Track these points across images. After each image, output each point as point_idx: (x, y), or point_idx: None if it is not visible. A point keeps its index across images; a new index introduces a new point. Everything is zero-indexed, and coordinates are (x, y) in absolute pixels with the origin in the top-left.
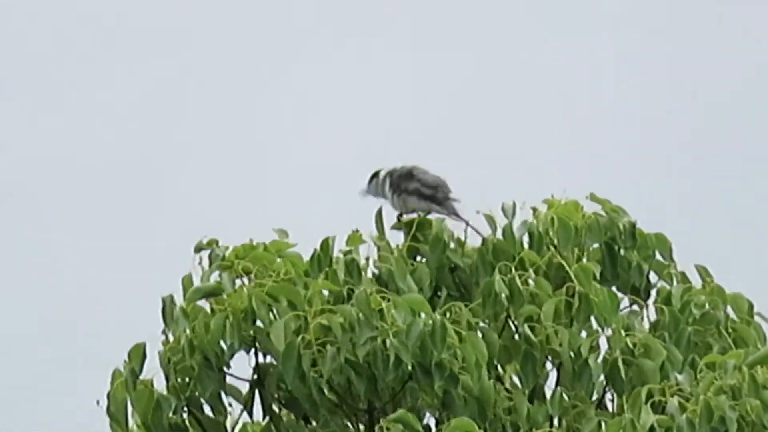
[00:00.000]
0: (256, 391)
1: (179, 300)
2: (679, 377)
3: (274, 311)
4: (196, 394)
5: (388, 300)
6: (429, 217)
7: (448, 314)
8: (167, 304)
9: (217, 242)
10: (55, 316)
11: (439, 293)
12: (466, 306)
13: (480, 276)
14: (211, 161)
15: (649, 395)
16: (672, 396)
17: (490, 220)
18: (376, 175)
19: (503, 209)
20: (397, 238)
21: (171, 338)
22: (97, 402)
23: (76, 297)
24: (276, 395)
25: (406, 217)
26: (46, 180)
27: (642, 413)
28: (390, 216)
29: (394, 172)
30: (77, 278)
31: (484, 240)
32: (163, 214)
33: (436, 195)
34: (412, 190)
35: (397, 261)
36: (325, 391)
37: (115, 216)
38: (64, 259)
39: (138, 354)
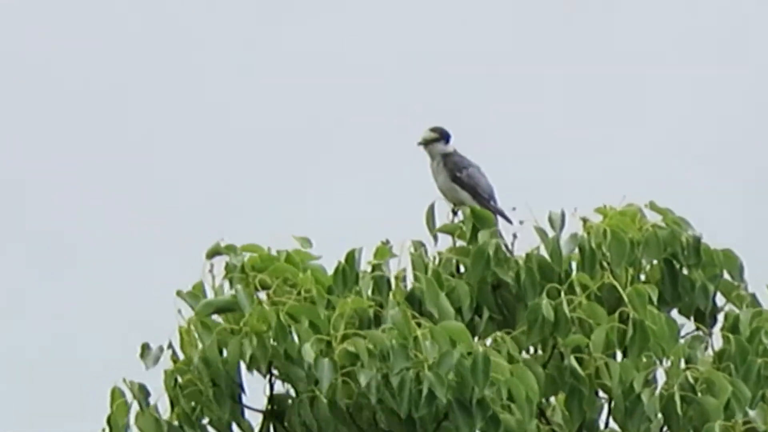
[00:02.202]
0: (271, 425)
1: (185, 311)
2: (751, 413)
3: (293, 333)
4: (205, 421)
5: (424, 327)
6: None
7: (492, 343)
8: (180, 313)
9: (235, 249)
10: None
11: (480, 314)
12: (508, 333)
13: (527, 297)
14: (222, 153)
15: None
16: None
17: (541, 233)
18: (441, 136)
19: (550, 219)
20: (445, 242)
21: (180, 356)
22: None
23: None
24: (294, 429)
25: (459, 216)
26: None
27: None
28: (441, 214)
29: (450, 155)
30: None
31: (528, 255)
32: (168, 212)
33: (489, 203)
34: (467, 185)
35: (429, 281)
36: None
37: (114, 216)
38: None
39: (149, 356)
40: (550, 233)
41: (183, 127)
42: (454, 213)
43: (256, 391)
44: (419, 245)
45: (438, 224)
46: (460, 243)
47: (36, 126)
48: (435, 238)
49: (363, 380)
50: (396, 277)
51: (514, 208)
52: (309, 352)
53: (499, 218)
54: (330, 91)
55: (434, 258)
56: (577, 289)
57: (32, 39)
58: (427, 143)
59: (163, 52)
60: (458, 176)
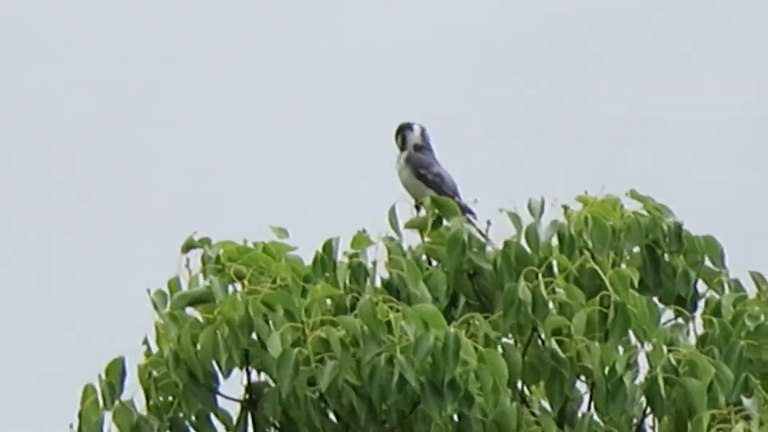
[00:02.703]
0: (249, 414)
1: (161, 306)
2: (746, 401)
3: (270, 322)
4: (181, 415)
5: (398, 311)
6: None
7: (465, 327)
8: (155, 308)
9: (209, 241)
10: None
11: (456, 302)
12: (486, 318)
13: (504, 283)
14: (199, 144)
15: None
16: (737, 422)
17: (515, 219)
18: (402, 130)
19: (529, 207)
20: (410, 239)
21: (154, 350)
22: (71, 426)
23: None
24: (271, 419)
25: (423, 211)
26: None
27: None
28: (404, 213)
29: (413, 155)
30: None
31: (506, 242)
32: (145, 203)
33: (453, 199)
34: (432, 182)
35: (409, 265)
36: (329, 413)
37: (91, 207)
38: None
39: (116, 369)
40: (529, 220)
41: (172, 117)
42: (417, 208)
43: (234, 380)
44: (390, 240)
45: (401, 222)
46: (428, 240)
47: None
48: (399, 235)
49: (324, 381)
50: (373, 263)
51: (475, 200)
52: (276, 345)
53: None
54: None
55: (410, 247)
56: (556, 272)
57: None
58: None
59: (150, 47)
60: (422, 173)
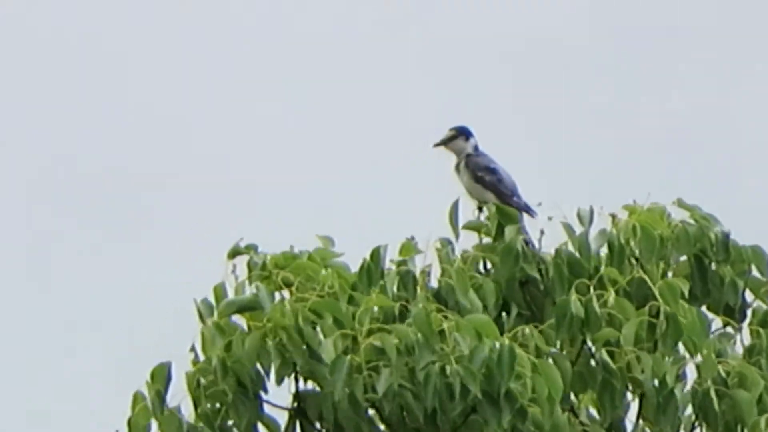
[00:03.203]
0: (297, 422)
1: (207, 314)
2: None
3: (318, 330)
4: (230, 423)
5: (450, 320)
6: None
7: (516, 338)
8: (201, 316)
9: (255, 248)
10: None
11: (507, 311)
12: (536, 327)
13: (556, 293)
14: (246, 150)
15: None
16: None
17: (568, 229)
18: (461, 134)
19: (579, 216)
20: (468, 240)
21: (201, 357)
22: None
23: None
24: (319, 426)
25: (484, 213)
26: None
27: None
28: (466, 213)
29: (472, 156)
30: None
31: (557, 251)
32: (184, 210)
33: (512, 200)
34: (490, 183)
35: (459, 273)
36: (377, 421)
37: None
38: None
39: (162, 375)
40: (579, 230)
41: (207, 118)
42: (480, 210)
43: (282, 389)
44: (446, 243)
45: (462, 222)
46: (485, 240)
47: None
48: (457, 235)
49: (381, 386)
50: (422, 272)
51: (539, 203)
52: (329, 350)
53: (525, 215)
54: (349, 85)
55: (459, 256)
56: (607, 284)
57: None
58: (445, 143)
59: (166, 45)
60: (480, 176)
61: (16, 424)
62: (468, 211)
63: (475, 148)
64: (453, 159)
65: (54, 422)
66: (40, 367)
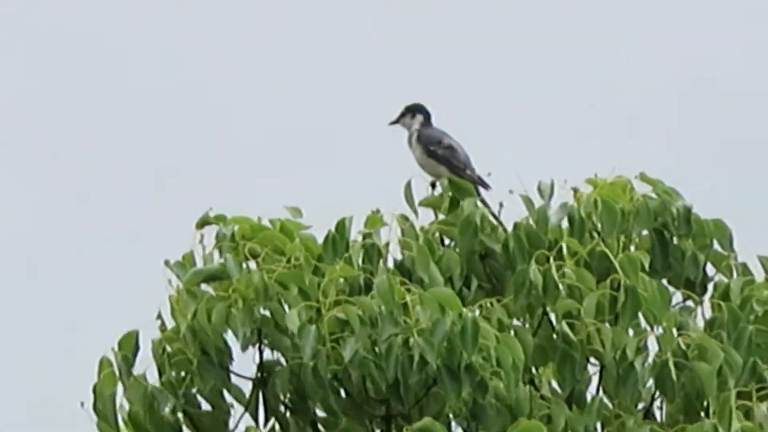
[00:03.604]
0: (260, 392)
1: (175, 282)
2: None
3: (284, 301)
4: (194, 390)
5: (413, 293)
6: (459, 197)
7: (478, 311)
8: (170, 283)
9: (224, 219)
10: None
11: (468, 284)
12: (498, 301)
13: (516, 265)
14: (220, 122)
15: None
16: (762, 401)
17: (528, 202)
18: (410, 111)
19: (539, 189)
20: (426, 216)
21: (168, 324)
22: (81, 404)
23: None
24: (283, 396)
25: (438, 189)
26: None
27: (733, 421)
28: (419, 190)
29: (424, 131)
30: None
31: (516, 224)
32: (159, 182)
33: (465, 173)
34: (443, 157)
35: (420, 248)
36: (340, 392)
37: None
38: None
39: (129, 343)
40: (540, 203)
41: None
42: (433, 186)
43: (246, 358)
44: (404, 219)
45: (417, 199)
46: (441, 217)
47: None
48: (416, 212)
49: (348, 353)
50: (384, 245)
51: (489, 174)
52: (294, 320)
53: (481, 188)
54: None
55: (422, 228)
56: (566, 256)
57: None
58: (398, 120)
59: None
60: (432, 150)
61: None
62: (422, 188)
63: (423, 123)
64: (405, 135)
65: None
66: None
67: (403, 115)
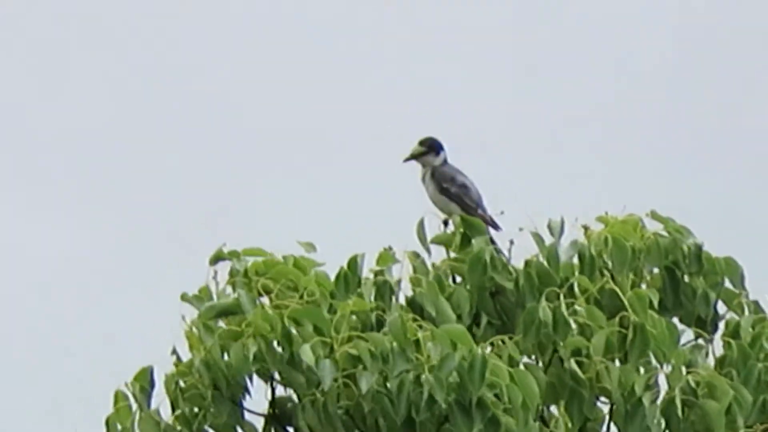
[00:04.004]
0: (273, 428)
1: (191, 316)
2: None
3: (298, 336)
4: (206, 426)
5: (425, 329)
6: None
7: (490, 347)
8: (183, 318)
9: (238, 255)
10: None
11: (478, 322)
12: (510, 338)
13: (526, 302)
14: (226, 153)
15: None
16: None
17: (538, 239)
18: (430, 149)
19: (549, 227)
20: (439, 254)
21: (183, 358)
22: None
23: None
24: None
25: (450, 227)
26: None
27: None
28: (432, 226)
29: (437, 168)
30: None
31: (527, 261)
32: (172, 210)
33: (477, 212)
34: (455, 195)
35: (430, 284)
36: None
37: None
38: None
39: (144, 379)
40: (549, 240)
41: (187, 125)
42: (445, 224)
43: (257, 394)
44: (415, 256)
45: (430, 237)
46: (453, 255)
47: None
48: (428, 250)
49: (364, 386)
50: (398, 281)
51: (502, 212)
52: (308, 353)
53: (491, 228)
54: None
55: (433, 264)
56: (577, 293)
57: None
58: (414, 157)
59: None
60: (445, 187)
61: None
62: (435, 224)
63: (444, 161)
64: (419, 171)
65: None
66: None
67: (423, 154)
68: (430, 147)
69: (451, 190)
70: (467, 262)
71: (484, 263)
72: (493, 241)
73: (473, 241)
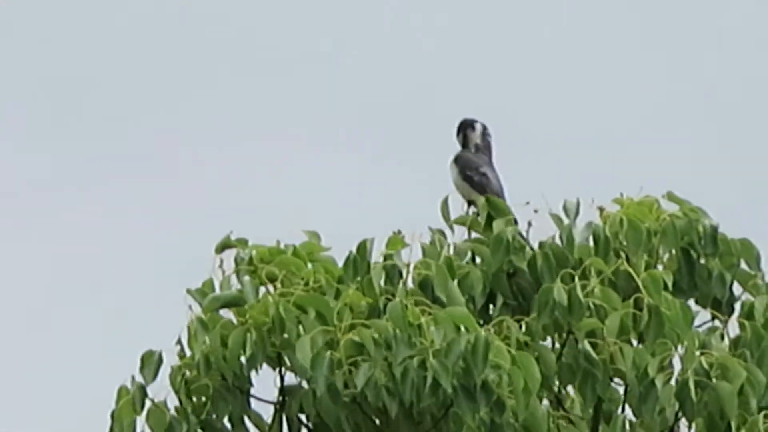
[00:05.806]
0: (282, 416)
1: (196, 308)
2: None
3: (302, 325)
4: (213, 417)
5: (429, 313)
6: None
7: (501, 329)
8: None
9: (245, 242)
10: None
11: (494, 301)
12: (522, 319)
13: (543, 283)
14: (232, 143)
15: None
16: None
17: (557, 220)
18: (464, 127)
19: (565, 208)
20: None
21: (187, 351)
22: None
23: None
24: (307, 420)
25: (473, 209)
26: None
27: None
28: (456, 207)
29: (463, 154)
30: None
31: (542, 243)
32: (173, 199)
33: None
34: (477, 183)
35: (438, 267)
36: (361, 415)
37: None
38: None
39: (151, 364)
40: (565, 222)
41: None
42: (470, 205)
43: (268, 382)
44: (439, 233)
45: (453, 216)
46: (475, 235)
47: None
48: (451, 228)
49: (360, 380)
50: (407, 264)
51: (527, 203)
52: (306, 351)
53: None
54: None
55: (451, 248)
56: (592, 275)
57: None
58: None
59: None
60: (469, 175)
61: None
62: (458, 206)
63: (477, 145)
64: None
65: None
66: None
67: (459, 130)
68: (458, 129)
69: (474, 178)
70: (489, 243)
71: (507, 244)
72: (516, 223)
73: (494, 222)
